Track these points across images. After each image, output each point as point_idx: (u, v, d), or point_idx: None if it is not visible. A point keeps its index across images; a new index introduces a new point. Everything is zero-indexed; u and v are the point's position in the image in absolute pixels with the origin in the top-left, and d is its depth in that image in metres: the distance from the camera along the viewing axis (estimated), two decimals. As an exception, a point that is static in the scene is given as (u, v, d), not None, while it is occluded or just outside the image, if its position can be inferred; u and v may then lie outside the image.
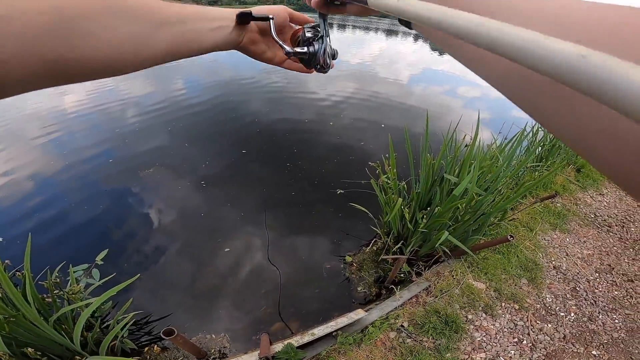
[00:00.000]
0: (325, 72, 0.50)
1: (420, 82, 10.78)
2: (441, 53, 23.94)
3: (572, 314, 2.18)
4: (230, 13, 0.44)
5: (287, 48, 0.46)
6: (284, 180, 3.57)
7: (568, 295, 2.32)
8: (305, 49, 0.47)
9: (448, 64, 18.57)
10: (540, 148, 3.57)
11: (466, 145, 2.08)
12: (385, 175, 2.07)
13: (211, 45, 0.41)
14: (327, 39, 0.48)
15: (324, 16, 0.47)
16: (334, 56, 0.50)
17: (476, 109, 8.25)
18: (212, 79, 8.43)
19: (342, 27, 36.11)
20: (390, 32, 37.67)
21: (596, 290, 2.39)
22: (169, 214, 3.05)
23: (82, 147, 4.23)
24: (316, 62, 0.48)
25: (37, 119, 5.36)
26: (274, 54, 0.53)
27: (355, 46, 19.53)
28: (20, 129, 4.99)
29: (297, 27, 0.54)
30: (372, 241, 2.56)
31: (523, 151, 3.27)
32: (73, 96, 6.82)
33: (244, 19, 0.44)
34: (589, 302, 2.29)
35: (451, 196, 1.78)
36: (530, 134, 3.34)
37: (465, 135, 2.38)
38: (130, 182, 3.49)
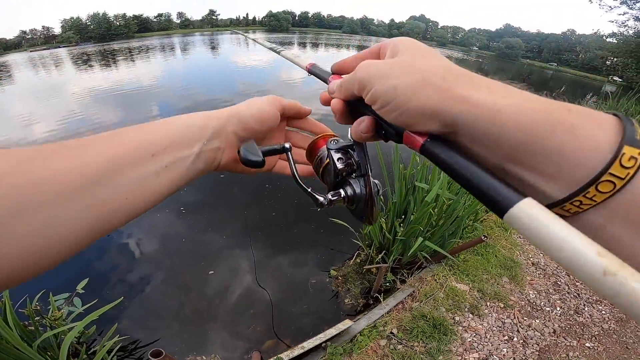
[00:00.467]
0: (372, 223, 0.38)
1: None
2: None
3: (558, 308, 2.25)
4: (193, 126, 0.33)
5: (321, 198, 0.36)
6: (264, 201, 3.66)
7: (551, 290, 2.40)
8: (342, 192, 0.37)
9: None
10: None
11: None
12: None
13: (160, 195, 0.30)
14: (369, 168, 0.36)
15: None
16: (378, 192, 0.37)
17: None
18: (185, 104, 8.57)
19: (314, 45, 37.75)
20: (361, 48, 39.41)
21: (577, 283, 2.48)
22: (150, 241, 3.08)
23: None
24: (359, 212, 0.37)
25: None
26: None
27: (328, 63, 20.07)
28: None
29: (309, 134, 0.45)
30: (355, 254, 2.65)
31: None
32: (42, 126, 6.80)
33: (250, 164, 0.34)
34: (572, 296, 2.38)
35: (424, 203, 1.89)
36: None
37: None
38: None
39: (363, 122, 0.29)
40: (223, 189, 3.95)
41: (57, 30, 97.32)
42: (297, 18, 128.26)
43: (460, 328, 2.04)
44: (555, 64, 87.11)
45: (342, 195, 0.36)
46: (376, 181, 0.36)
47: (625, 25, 14.55)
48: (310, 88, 11.21)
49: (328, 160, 0.38)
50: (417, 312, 2.08)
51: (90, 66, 20.71)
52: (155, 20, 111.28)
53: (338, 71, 0.38)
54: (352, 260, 2.65)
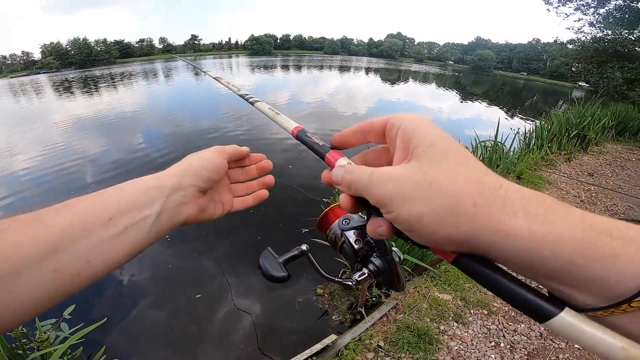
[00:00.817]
0: (402, 289, 0.40)
1: (377, 113, 11.60)
2: (392, 84, 25.78)
3: None
4: (149, 188, 0.33)
5: (349, 283, 0.39)
6: (250, 225, 3.71)
7: None
8: (366, 271, 0.39)
9: (401, 92, 20.09)
10: (481, 162, 3.96)
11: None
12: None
13: (123, 258, 0.31)
14: (388, 246, 0.37)
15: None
16: (400, 260, 0.39)
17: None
18: (169, 130, 8.60)
19: (297, 67, 38.52)
20: (343, 68, 40.43)
21: None
22: (136, 269, 3.10)
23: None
24: (387, 282, 0.39)
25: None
26: (222, 202, 0.43)
27: (312, 85, 20.63)
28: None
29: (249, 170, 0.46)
30: (341, 272, 2.70)
31: None
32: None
33: (274, 280, 0.36)
34: None
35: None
36: (472, 151, 3.71)
37: None
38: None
39: (381, 228, 0.27)
40: None
41: (37, 55, 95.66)
42: (278, 41, 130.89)
43: (446, 337, 2.07)
44: (526, 74, 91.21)
45: (367, 274, 0.38)
46: (395, 249, 0.38)
47: (582, 32, 14.96)
48: (296, 109, 11.37)
49: (343, 239, 0.39)
50: (401, 324, 2.13)
51: (72, 93, 20.49)
52: (137, 45, 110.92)
53: (338, 145, 0.35)
54: (337, 278, 2.71)
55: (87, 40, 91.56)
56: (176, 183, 0.35)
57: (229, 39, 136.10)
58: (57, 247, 0.26)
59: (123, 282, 2.92)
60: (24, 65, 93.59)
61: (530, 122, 10.96)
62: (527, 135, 6.01)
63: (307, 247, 0.39)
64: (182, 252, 3.35)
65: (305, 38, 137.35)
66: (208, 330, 2.42)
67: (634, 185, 4.57)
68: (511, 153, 4.70)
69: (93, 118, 10.72)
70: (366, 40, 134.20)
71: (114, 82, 25.74)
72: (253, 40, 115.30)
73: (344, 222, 0.39)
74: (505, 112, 15.74)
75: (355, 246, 0.39)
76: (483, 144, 4.48)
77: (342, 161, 0.31)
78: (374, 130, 0.31)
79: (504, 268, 0.22)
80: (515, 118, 13.64)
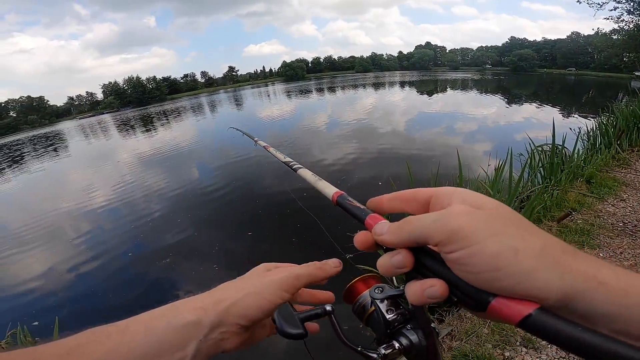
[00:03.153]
0: None
1: (417, 127, 11.32)
2: (430, 95, 25.19)
3: None
4: (183, 325, 0.29)
5: (374, 355, 0.33)
6: (294, 254, 3.73)
7: None
8: (396, 344, 0.33)
9: (439, 103, 19.49)
10: (541, 169, 3.61)
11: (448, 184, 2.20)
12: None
13: None
14: (429, 319, 0.33)
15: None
16: (438, 335, 0.34)
17: (473, 141, 8.52)
18: (219, 163, 9.04)
19: (331, 89, 39.23)
20: (377, 85, 40.41)
21: None
22: (190, 291, 3.28)
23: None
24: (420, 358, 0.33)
25: None
26: (269, 324, 0.38)
27: (348, 104, 20.88)
28: None
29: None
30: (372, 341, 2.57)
31: (520, 174, 3.31)
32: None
33: (289, 336, 0.31)
34: None
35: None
36: (529, 158, 3.41)
37: (455, 175, 2.50)
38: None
39: (434, 288, 0.24)
40: (252, 246, 4.08)
41: (99, 95, 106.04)
42: (310, 65, 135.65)
43: (514, 364, 1.82)
44: (574, 69, 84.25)
45: (396, 348, 0.33)
46: (433, 324, 0.33)
47: (622, 20, 14.06)
48: (335, 130, 11.44)
49: (373, 308, 0.36)
50: (458, 352, 1.92)
51: (134, 130, 22.86)
52: (182, 81, 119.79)
53: (377, 209, 0.33)
54: (360, 347, 2.59)
55: (140, 78, 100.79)
56: (216, 321, 0.30)
57: (263, 67, 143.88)
58: None
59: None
60: (90, 106, 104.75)
61: (591, 119, 9.98)
62: (591, 134, 5.44)
63: (331, 308, 0.35)
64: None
65: (335, 59, 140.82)
66: None
67: None
68: (575, 155, 4.26)
69: (153, 154, 11.76)
70: (396, 54, 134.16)
71: (167, 118, 28.17)
72: (286, 66, 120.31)
73: (376, 291, 0.36)
74: (559, 111, 14.46)
75: (388, 316, 0.34)
76: (540, 148, 4.11)
77: (383, 224, 0.29)
78: (416, 200, 0.30)
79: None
80: (572, 117, 12.48)
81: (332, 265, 0.40)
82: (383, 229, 0.28)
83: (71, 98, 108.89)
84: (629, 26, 14.00)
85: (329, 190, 0.40)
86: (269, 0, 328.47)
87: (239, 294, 0.32)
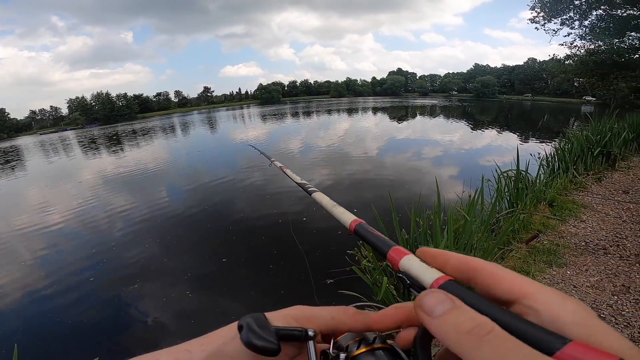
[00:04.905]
0: None
1: (388, 153, 11.66)
2: (400, 120, 26.32)
3: None
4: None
5: None
6: (272, 280, 3.61)
7: None
8: None
9: (410, 128, 20.35)
10: (507, 195, 3.77)
11: (428, 212, 2.23)
12: (366, 259, 2.13)
13: None
14: None
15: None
16: None
17: (442, 165, 8.89)
18: (191, 186, 8.77)
19: (306, 114, 39.99)
20: (351, 111, 41.74)
21: (623, 312, 2.25)
22: (161, 320, 3.13)
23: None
24: None
25: None
26: None
27: (322, 130, 21.26)
28: None
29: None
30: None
31: (492, 200, 3.44)
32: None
33: (257, 350, 0.22)
34: (622, 326, 2.13)
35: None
36: (495, 183, 3.53)
37: (433, 201, 2.55)
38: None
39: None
40: (227, 271, 3.95)
41: (64, 110, 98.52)
42: (286, 88, 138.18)
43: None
44: (530, 95, 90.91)
45: None
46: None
47: (575, 46, 14.65)
48: (309, 156, 11.42)
49: None
50: None
51: (97, 150, 21.81)
52: (154, 99, 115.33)
53: (436, 264, 0.25)
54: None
55: (110, 94, 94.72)
56: None
57: (239, 89, 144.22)
58: None
59: (146, 327, 2.81)
60: (53, 121, 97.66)
61: (548, 144, 10.73)
62: (550, 159, 5.81)
63: (314, 333, 0.27)
64: (205, 306, 3.22)
65: (311, 83, 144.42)
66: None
67: (675, 197, 4.23)
68: (537, 181, 4.49)
69: (118, 174, 11.22)
70: (369, 80, 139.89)
71: (136, 138, 27.23)
72: (262, 89, 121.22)
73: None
74: (519, 136, 15.58)
75: None
76: (506, 174, 4.31)
77: (410, 259, 0.25)
78: (496, 286, 0.22)
79: None
80: (530, 141, 13.41)
81: None
82: (443, 307, 0.20)
83: (33, 112, 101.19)
84: (580, 51, 14.62)
85: (347, 217, 0.37)
86: (249, 22, 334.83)
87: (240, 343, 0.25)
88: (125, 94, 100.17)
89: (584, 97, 61.10)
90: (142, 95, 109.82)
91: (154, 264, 4.32)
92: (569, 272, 2.81)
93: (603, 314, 2.30)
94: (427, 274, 0.23)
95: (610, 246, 3.14)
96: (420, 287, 0.23)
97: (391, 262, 0.27)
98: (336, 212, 0.41)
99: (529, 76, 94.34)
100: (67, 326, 3.26)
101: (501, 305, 0.20)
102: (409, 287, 0.25)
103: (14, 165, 18.70)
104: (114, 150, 20.49)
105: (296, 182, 0.60)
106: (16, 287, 4.12)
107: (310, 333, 0.27)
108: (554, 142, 8.81)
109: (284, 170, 0.77)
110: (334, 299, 3.09)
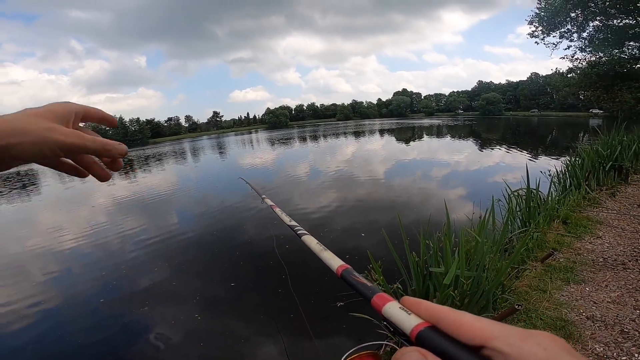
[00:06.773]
0: None
1: (396, 175, 11.59)
2: (407, 142, 26.42)
3: (637, 355, 1.99)
4: None
5: None
6: (282, 304, 3.58)
7: (619, 339, 2.13)
8: None
9: (417, 149, 20.37)
10: (519, 214, 3.72)
11: (438, 234, 2.24)
12: (376, 282, 2.13)
13: None
14: None
15: None
16: None
17: (451, 187, 8.82)
18: (200, 210, 8.89)
19: (313, 137, 40.55)
20: (357, 133, 42.04)
21: None
22: (170, 342, 3.17)
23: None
24: None
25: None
26: None
27: (329, 154, 21.40)
28: None
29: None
30: (384, 344, 2.46)
31: (504, 220, 3.41)
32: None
33: None
34: None
35: (442, 286, 1.84)
36: (507, 203, 3.49)
37: (444, 223, 2.55)
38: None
39: None
40: (236, 296, 3.96)
41: None
42: (293, 112, 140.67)
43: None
44: (537, 110, 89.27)
45: None
46: None
47: (577, 59, 14.54)
48: (317, 180, 11.42)
49: None
50: None
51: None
52: (165, 124, 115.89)
53: (414, 309, 0.26)
54: (382, 350, 2.47)
55: (123, 119, 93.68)
56: None
57: (247, 114, 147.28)
58: None
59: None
60: None
61: (556, 159, 10.57)
62: (561, 176, 5.74)
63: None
64: (213, 328, 3.22)
65: (317, 107, 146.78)
66: None
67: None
68: (550, 198, 4.43)
69: (131, 199, 11.40)
70: (375, 101, 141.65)
71: (148, 163, 27.83)
72: (269, 113, 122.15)
73: None
74: (527, 154, 15.37)
75: None
76: (516, 193, 4.27)
77: (391, 307, 0.26)
78: (462, 333, 0.24)
79: None
80: (539, 158, 13.25)
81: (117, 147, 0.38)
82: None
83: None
84: (581, 64, 14.49)
85: (334, 262, 0.39)
86: (255, 48, 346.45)
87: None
88: (138, 118, 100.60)
89: (590, 111, 60.22)
90: (153, 119, 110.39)
91: (164, 286, 4.36)
92: (587, 289, 2.77)
93: (627, 328, 2.24)
94: (405, 322, 0.24)
95: (629, 261, 3.08)
96: (402, 334, 0.25)
97: (375, 308, 0.28)
98: (324, 256, 0.41)
99: (534, 91, 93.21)
100: (76, 347, 3.28)
101: (473, 350, 0.21)
102: (393, 333, 0.26)
103: (31, 190, 19.24)
104: (126, 175, 20.96)
105: (286, 224, 0.55)
106: (26, 305, 4.19)
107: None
108: (564, 158, 8.69)
109: (274, 209, 0.74)
110: (345, 322, 3.08)
